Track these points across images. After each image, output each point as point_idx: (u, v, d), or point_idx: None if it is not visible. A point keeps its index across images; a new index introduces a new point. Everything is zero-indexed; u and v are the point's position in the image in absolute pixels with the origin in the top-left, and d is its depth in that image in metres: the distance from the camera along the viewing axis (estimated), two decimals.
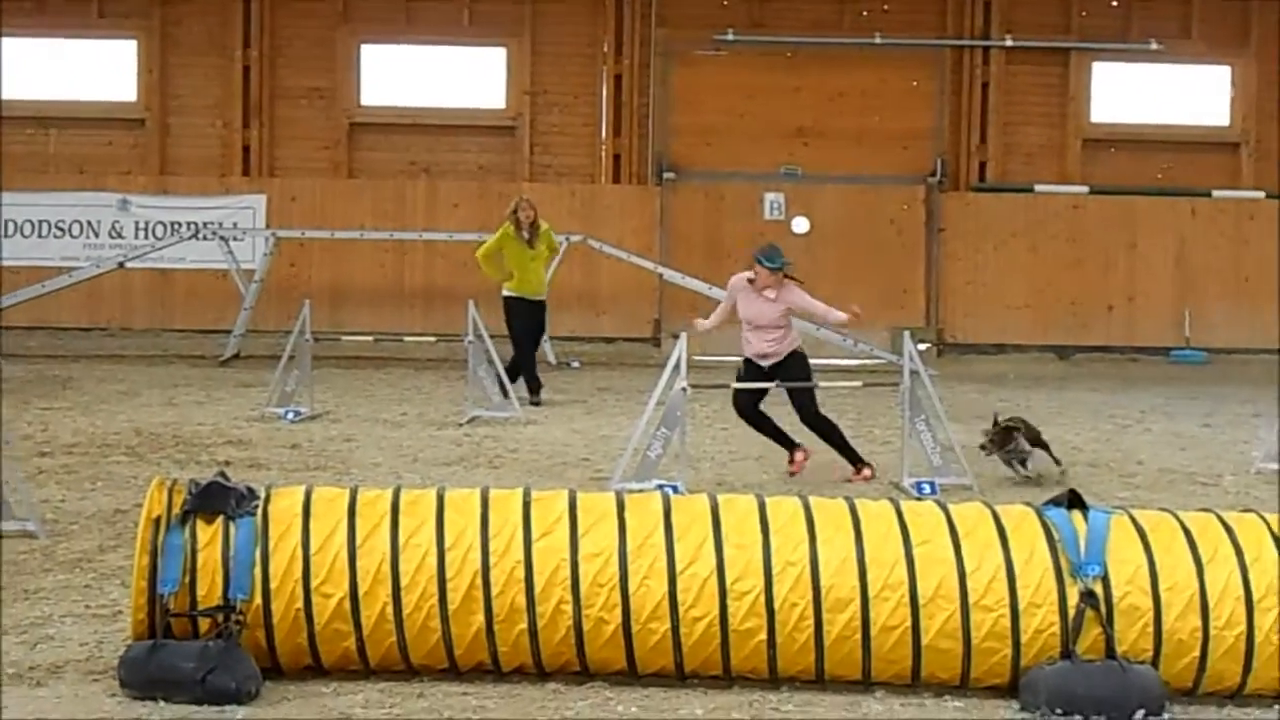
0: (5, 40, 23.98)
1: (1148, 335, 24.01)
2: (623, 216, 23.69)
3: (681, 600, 6.71)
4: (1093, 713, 6.51)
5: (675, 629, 6.73)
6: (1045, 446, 12.51)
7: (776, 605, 6.70)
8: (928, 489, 11.57)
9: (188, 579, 6.65)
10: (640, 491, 8.41)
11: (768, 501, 7.05)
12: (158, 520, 6.72)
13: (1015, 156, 24.39)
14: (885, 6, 24.09)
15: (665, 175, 23.92)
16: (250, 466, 12.38)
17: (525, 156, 24.12)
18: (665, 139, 24.09)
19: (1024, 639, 6.68)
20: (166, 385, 18.18)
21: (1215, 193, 24.03)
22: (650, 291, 23.26)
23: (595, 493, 7.43)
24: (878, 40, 23.98)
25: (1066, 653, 6.64)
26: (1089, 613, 6.64)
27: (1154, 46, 24.11)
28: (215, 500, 6.79)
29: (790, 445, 12.62)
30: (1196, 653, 6.70)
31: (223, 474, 7.06)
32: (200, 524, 6.75)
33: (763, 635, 6.73)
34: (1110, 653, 6.62)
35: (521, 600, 6.72)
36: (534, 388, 16.97)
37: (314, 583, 6.71)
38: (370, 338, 20.26)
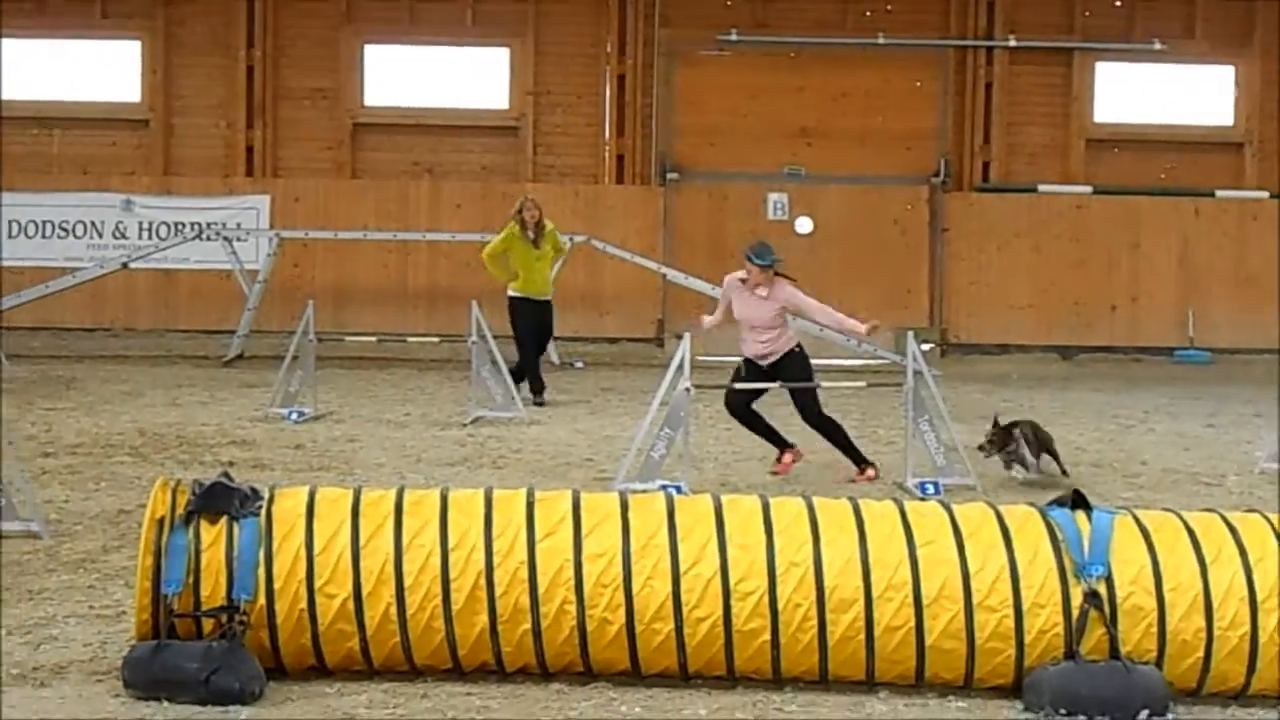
0: (9, 41, 24.00)
1: (1151, 335, 24.00)
2: (626, 217, 23.69)
3: (685, 601, 6.71)
4: (1097, 713, 6.51)
5: (679, 629, 6.73)
6: (1055, 455, 12.30)
7: (780, 606, 6.70)
8: (931, 489, 11.57)
9: (191, 579, 6.66)
10: (644, 492, 8.41)
11: (771, 502, 7.05)
12: (161, 521, 6.72)
13: (1019, 157, 24.39)
14: (889, 7, 24.09)
15: (669, 175, 23.92)
16: (254, 467, 12.38)
17: (529, 157, 24.12)
18: (669, 139, 24.09)
19: (1028, 639, 6.68)
20: (170, 386, 18.18)
21: (1219, 193, 24.02)
22: (654, 292, 23.26)
23: (599, 493, 7.43)
24: (881, 40, 23.97)
25: (1070, 653, 6.64)
26: (1093, 613, 6.64)
27: (1157, 46, 24.10)
28: (219, 501, 6.80)
29: (782, 444, 12.55)
30: (1200, 653, 6.70)
31: (226, 474, 7.06)
32: (204, 524, 6.75)
33: (766, 636, 6.73)
34: (1114, 653, 6.62)
35: (525, 600, 6.72)
36: (536, 388, 16.96)
37: (318, 583, 6.71)
38: (374, 338, 20.26)
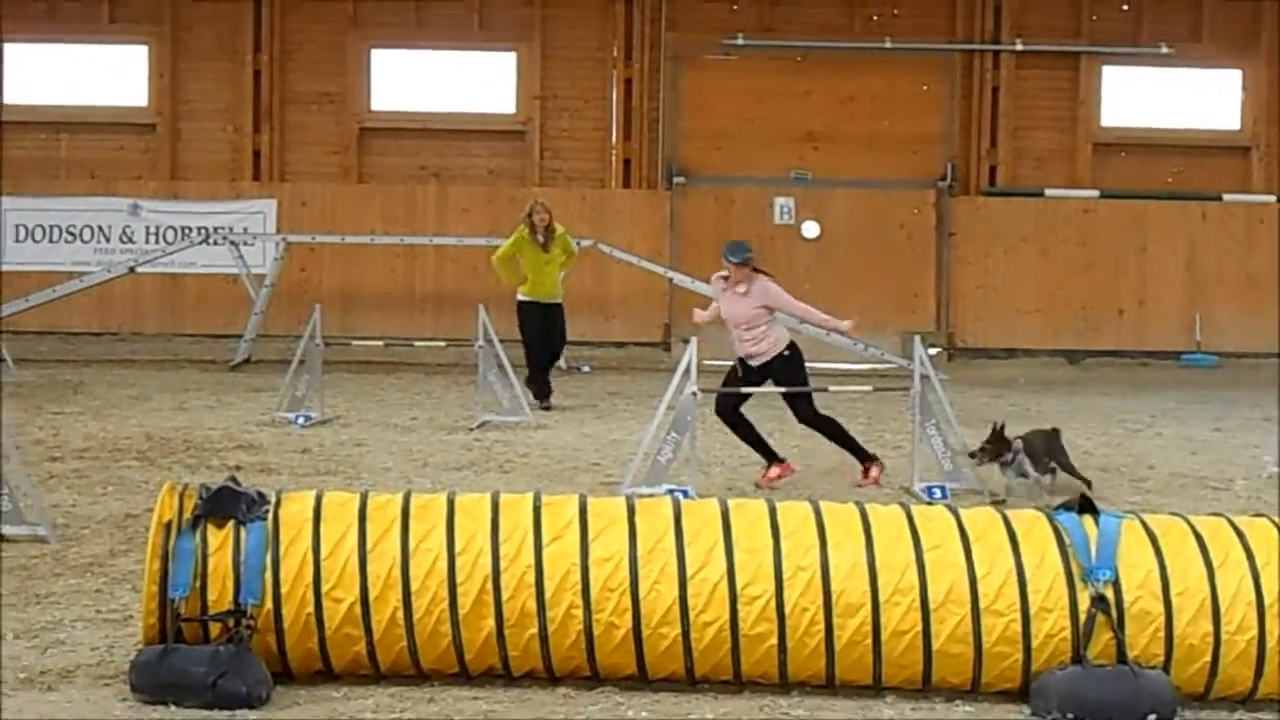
0: (17, 46, 24.06)
1: (1158, 339, 23.99)
2: (633, 221, 23.71)
3: (692, 605, 6.71)
4: (1104, 718, 6.49)
5: (686, 634, 6.72)
6: (1068, 468, 11.99)
7: (787, 610, 6.70)
8: (938, 493, 11.55)
9: (198, 584, 6.66)
10: (650, 496, 8.41)
11: (778, 506, 7.04)
12: (169, 525, 6.73)
13: (1025, 161, 24.39)
14: (895, 11, 24.10)
15: (675, 180, 23.93)
16: (261, 471, 12.38)
17: (535, 161, 24.14)
18: (675, 143, 24.10)
19: (1035, 644, 6.67)
20: (177, 390, 18.20)
21: (1226, 197, 24.01)
22: (660, 296, 23.26)
23: (605, 497, 7.43)
24: (888, 45, 23.98)
25: (1077, 657, 6.64)
26: (1100, 617, 6.63)
27: (1164, 50, 24.10)
28: (226, 505, 6.80)
29: (771, 457, 12.32)
30: (1208, 658, 6.69)
31: (233, 479, 7.06)
32: (211, 529, 6.75)
33: (773, 640, 6.72)
34: (1121, 657, 6.62)
35: (532, 605, 6.72)
36: (540, 394, 16.94)
37: (325, 587, 6.71)
38: (380, 342, 20.27)
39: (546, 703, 6.73)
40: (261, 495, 6.94)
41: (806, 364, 12.47)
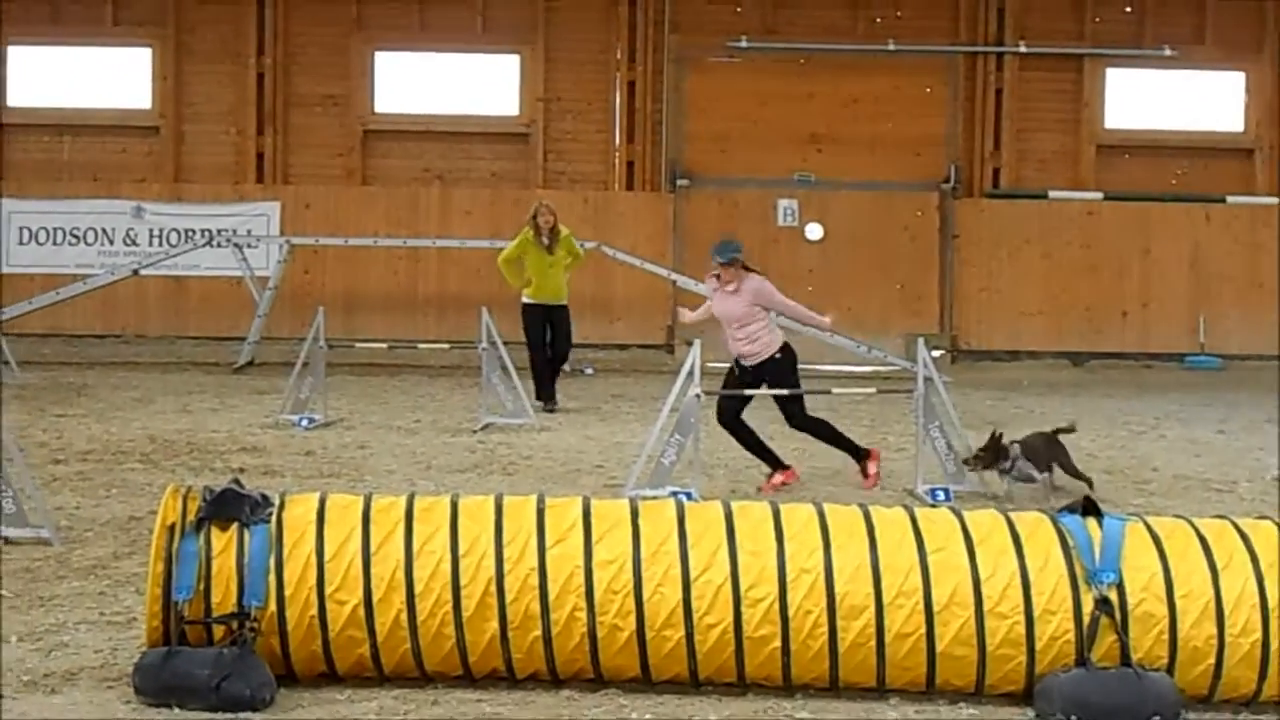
0: (21, 49, 24.11)
1: (1162, 341, 23.99)
2: (636, 223, 23.71)
3: (696, 607, 6.70)
4: None
5: (689, 636, 6.72)
6: (1068, 468, 11.91)
7: (791, 612, 6.69)
8: (942, 496, 11.55)
9: (202, 586, 6.66)
10: (654, 498, 8.41)
11: (782, 508, 7.04)
12: (172, 527, 6.73)
13: (1029, 163, 24.39)
14: (898, 13, 24.10)
15: (679, 182, 23.94)
16: (264, 473, 12.39)
17: (539, 163, 24.15)
18: (679, 145, 24.11)
19: (1039, 646, 6.67)
20: (181, 392, 18.21)
21: (1229, 198, 24.00)
22: (664, 298, 23.26)
23: (609, 500, 7.43)
24: (891, 47, 23.99)
25: (1081, 660, 6.63)
26: (1104, 620, 6.63)
27: (1168, 52, 24.10)
28: (230, 507, 6.80)
29: (775, 463, 12.27)
30: (1212, 660, 6.69)
31: (237, 481, 7.06)
32: (215, 531, 6.75)
33: (777, 642, 6.72)
34: (1125, 660, 6.61)
35: (536, 607, 6.71)
36: (542, 396, 16.94)
37: (328, 589, 6.71)
38: (384, 345, 20.27)
39: (550, 705, 6.72)
40: (265, 498, 6.94)
41: (813, 366, 12.43)
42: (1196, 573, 6.73)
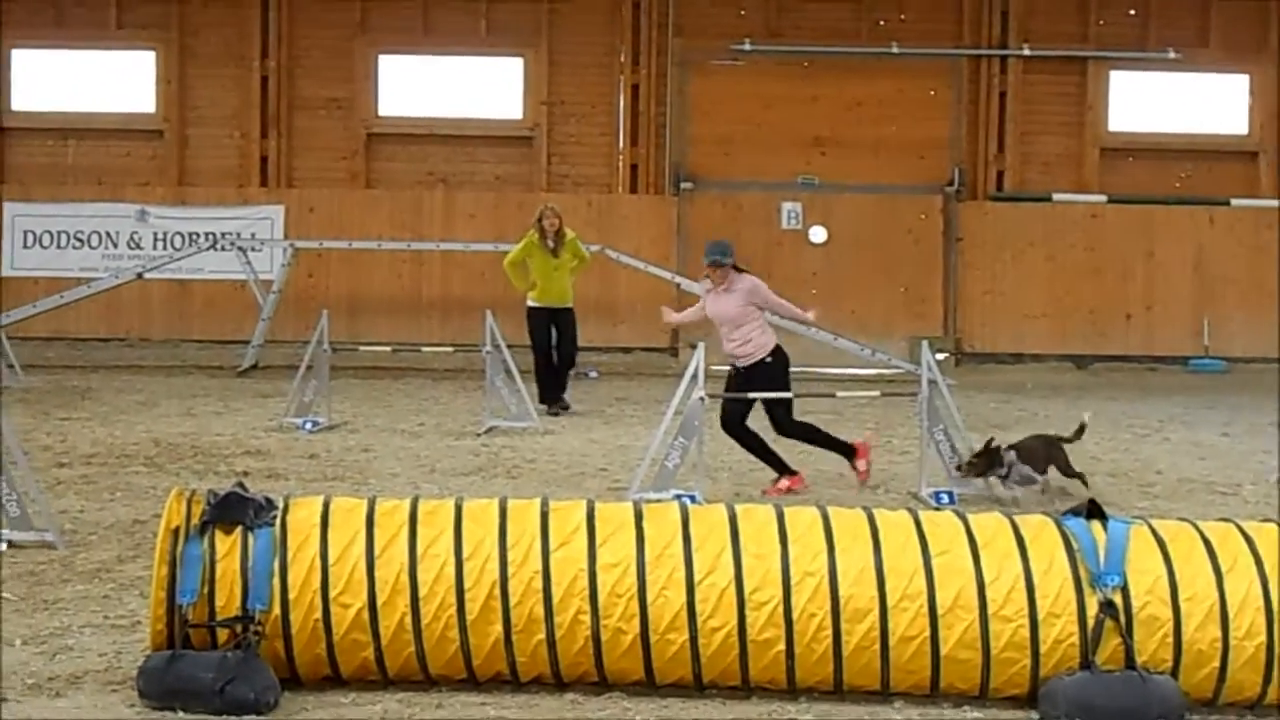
0: (25, 52, 24.15)
1: (1166, 344, 23.99)
2: (640, 226, 23.72)
3: (700, 610, 6.70)
4: None
5: (693, 639, 6.72)
6: (1065, 470, 11.88)
7: (795, 615, 6.69)
8: (946, 499, 11.54)
9: (206, 589, 6.66)
10: (658, 501, 8.41)
11: (786, 511, 7.03)
12: (176, 531, 6.73)
13: (1033, 165, 24.39)
14: (902, 16, 24.11)
15: (682, 185, 23.95)
16: (268, 477, 12.39)
17: (542, 167, 24.17)
18: (682, 149, 24.11)
19: (1043, 649, 6.66)
20: (185, 396, 18.22)
21: (1234, 201, 24.00)
22: (667, 301, 22.98)
23: (613, 503, 7.42)
24: (895, 50, 23.99)
25: (1086, 663, 6.62)
26: (1108, 623, 6.62)
27: (1172, 55, 24.10)
28: (234, 511, 6.80)
29: (781, 469, 12.21)
30: (1216, 663, 6.68)
31: (241, 484, 7.06)
32: (219, 534, 6.75)
33: (781, 645, 6.72)
34: (1130, 663, 6.61)
35: (539, 610, 6.71)
36: (547, 399, 16.95)
37: (332, 593, 6.70)
38: (388, 348, 20.27)
39: (554, 708, 6.72)
40: (269, 501, 6.94)
41: (818, 369, 12.40)
42: (1201, 576, 6.73)
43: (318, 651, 6.76)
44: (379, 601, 6.70)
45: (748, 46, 23.97)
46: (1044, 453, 11.91)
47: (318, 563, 6.73)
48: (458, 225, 23.62)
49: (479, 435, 15.10)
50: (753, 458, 12.35)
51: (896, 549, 6.79)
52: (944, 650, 6.69)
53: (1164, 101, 24.40)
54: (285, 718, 6.55)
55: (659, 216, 23.92)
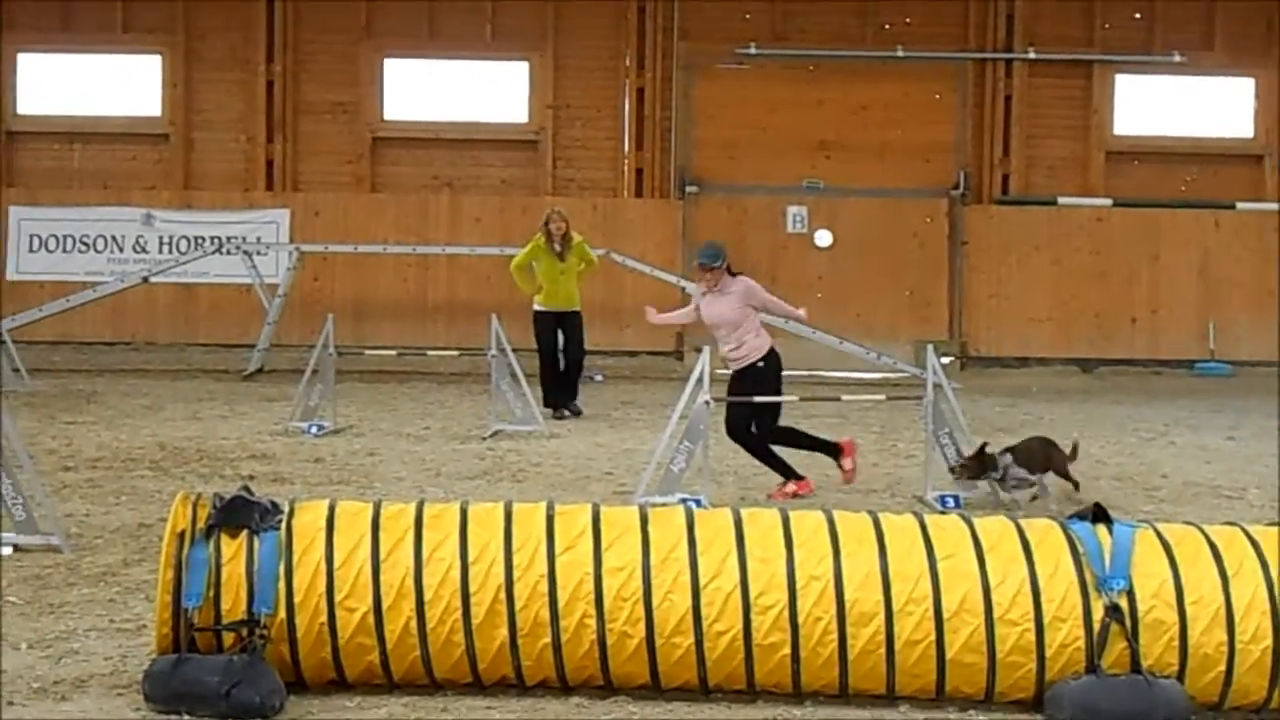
0: (31, 56, 24.18)
1: (1172, 348, 23.96)
2: (645, 230, 23.72)
3: (705, 614, 6.70)
4: None
5: (699, 643, 6.72)
6: (1064, 474, 11.86)
7: (800, 619, 6.69)
8: (951, 503, 11.54)
9: (212, 593, 6.66)
10: (663, 505, 8.41)
11: (791, 515, 7.03)
12: (182, 534, 6.73)
13: (1038, 169, 24.38)
14: (907, 19, 24.10)
15: (688, 189, 23.94)
16: (274, 481, 12.39)
17: (548, 170, 24.16)
18: (688, 152, 24.11)
19: (1049, 653, 6.66)
20: (190, 400, 18.22)
21: (1239, 205, 23.98)
22: (673, 305, 23.22)
23: (618, 507, 7.42)
24: (900, 53, 23.98)
25: (1091, 667, 6.62)
26: (1114, 627, 6.62)
27: (1177, 59, 24.09)
28: (239, 514, 6.80)
29: (788, 473, 12.17)
30: (1222, 667, 6.67)
31: (247, 488, 7.06)
32: (224, 538, 6.75)
33: (787, 650, 6.71)
34: (1135, 667, 6.60)
35: (545, 614, 6.71)
36: (552, 403, 16.95)
37: (338, 597, 6.71)
38: (393, 352, 20.27)
39: (560, 712, 6.72)
40: (275, 505, 6.94)
41: (823, 372, 12.38)
42: (1207, 579, 6.72)
43: (323, 655, 6.76)
44: (384, 605, 6.71)
45: (753, 50, 23.97)
46: (1042, 454, 11.86)
47: (323, 566, 6.73)
48: (463, 229, 23.62)
49: (484, 439, 15.10)
50: (755, 462, 12.34)
51: (902, 553, 6.79)
52: (949, 654, 6.69)
53: (1169, 105, 24.39)
54: None
55: (664, 220, 23.92)
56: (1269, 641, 6.66)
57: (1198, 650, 6.66)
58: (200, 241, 23.33)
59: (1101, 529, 6.88)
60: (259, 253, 22.43)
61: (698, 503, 10.37)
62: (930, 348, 12.39)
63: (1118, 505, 11.00)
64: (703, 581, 6.72)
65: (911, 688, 6.80)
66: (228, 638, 6.66)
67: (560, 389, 17.18)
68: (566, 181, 24.18)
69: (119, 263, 23.60)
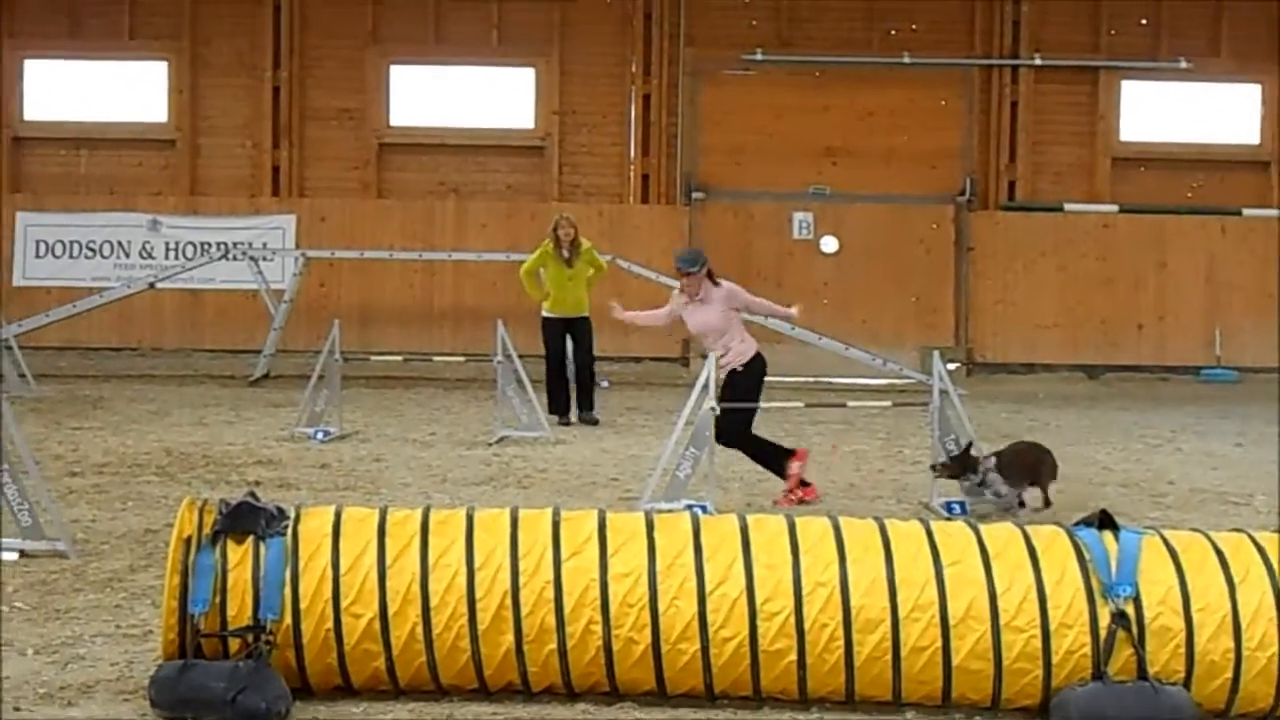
0: (38, 63, 24.23)
1: (1178, 354, 23.95)
2: (651, 236, 23.71)
3: (711, 621, 6.70)
4: None
5: (705, 649, 6.71)
6: (1042, 486, 11.66)
7: (806, 626, 6.68)
8: (957, 509, 11.53)
9: (218, 599, 6.66)
10: (669, 511, 8.40)
11: (797, 522, 7.03)
12: (188, 540, 6.73)
13: (1044, 175, 24.38)
14: (914, 26, 24.11)
15: (694, 195, 23.95)
16: (280, 486, 12.40)
17: (554, 176, 24.18)
18: (694, 158, 24.12)
19: (1055, 660, 6.65)
20: (197, 405, 18.23)
21: (1245, 211, 23.97)
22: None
23: (624, 513, 7.42)
24: (906, 60, 23.99)
25: (1098, 674, 6.61)
26: (1120, 634, 6.61)
27: (1183, 65, 24.08)
28: (245, 520, 6.80)
29: (783, 472, 12.14)
30: (1229, 674, 6.66)
31: (253, 494, 7.06)
32: (230, 544, 6.75)
33: (793, 656, 6.71)
34: (1142, 674, 6.59)
35: (551, 620, 6.71)
36: (556, 409, 16.95)
37: (344, 603, 6.71)
38: (399, 357, 20.29)
39: (566, 718, 6.72)
40: (281, 510, 6.94)
41: (828, 378, 12.37)
42: (1213, 586, 6.71)
43: (329, 661, 6.76)
44: (390, 611, 6.70)
45: (759, 56, 23.98)
46: (1031, 461, 11.71)
47: (329, 572, 6.73)
48: (469, 235, 23.64)
49: (490, 445, 15.11)
50: (761, 468, 12.33)
51: (908, 559, 6.79)
52: (956, 661, 6.68)
53: (1175, 111, 24.38)
54: None
55: (670, 226, 23.92)
56: (1276, 648, 6.64)
57: (1204, 657, 6.65)
58: (206, 247, 23.36)
59: (1108, 535, 6.87)
60: (265, 258, 22.46)
61: (703, 509, 10.36)
62: (936, 354, 12.39)
63: (1124, 512, 10.98)
64: (709, 587, 6.72)
65: (918, 694, 6.79)
66: (234, 643, 6.66)
67: (568, 396, 17.17)
68: (572, 187, 24.19)
69: (125, 268, 23.63)
